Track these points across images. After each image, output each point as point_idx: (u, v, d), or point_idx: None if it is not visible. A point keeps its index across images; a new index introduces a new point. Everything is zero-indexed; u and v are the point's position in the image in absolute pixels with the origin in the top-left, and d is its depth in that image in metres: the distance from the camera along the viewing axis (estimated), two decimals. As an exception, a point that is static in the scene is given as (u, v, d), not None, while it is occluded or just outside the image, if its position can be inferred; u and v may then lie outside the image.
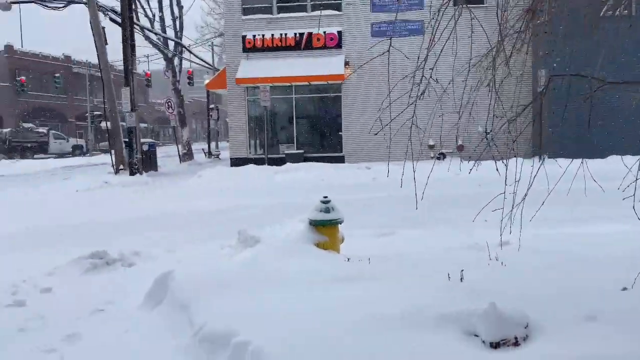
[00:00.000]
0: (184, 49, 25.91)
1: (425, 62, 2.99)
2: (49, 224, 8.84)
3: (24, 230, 8.11)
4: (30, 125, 38.27)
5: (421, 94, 2.65)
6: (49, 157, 33.26)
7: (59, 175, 19.54)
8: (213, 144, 29.14)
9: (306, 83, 18.40)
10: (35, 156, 33.67)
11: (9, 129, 36.07)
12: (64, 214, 10.08)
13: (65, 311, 4.12)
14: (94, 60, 42.06)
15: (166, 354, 3.21)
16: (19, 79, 37.97)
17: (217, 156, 26.79)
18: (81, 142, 41.83)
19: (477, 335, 2.66)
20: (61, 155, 35.51)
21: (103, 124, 41.82)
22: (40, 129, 37.36)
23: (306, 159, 17.80)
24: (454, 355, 2.51)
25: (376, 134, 3.28)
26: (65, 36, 63.71)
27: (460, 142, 16.75)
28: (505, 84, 3.44)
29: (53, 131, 37.94)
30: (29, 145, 34.77)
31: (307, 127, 19.47)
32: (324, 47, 18.45)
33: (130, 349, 3.34)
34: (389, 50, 2.85)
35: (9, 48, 43.56)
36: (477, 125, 13.80)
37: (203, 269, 4.51)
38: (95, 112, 41.16)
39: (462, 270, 3.63)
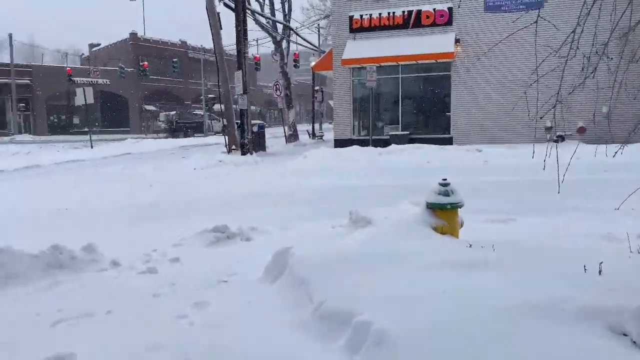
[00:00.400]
0: (291, 31, 26.40)
1: (579, 35, 2.70)
2: (173, 198, 9.53)
3: (153, 204, 8.81)
4: (194, 109, 42.52)
5: (592, 71, 2.38)
6: (207, 135, 36.32)
7: (177, 154, 20.98)
8: (317, 126, 29.60)
9: (413, 62, 17.94)
10: (196, 134, 37.42)
11: (174, 112, 40.06)
12: (184, 190, 10.81)
13: (192, 280, 4.39)
14: (208, 45, 44.40)
15: (287, 327, 3.29)
16: (141, 64, 41.14)
17: (321, 137, 27.16)
18: (256, 122, 45.29)
19: (626, 335, 2.40)
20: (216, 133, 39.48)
21: (216, 107, 44.20)
22: (197, 112, 41.05)
23: (411, 141, 17.43)
24: (600, 354, 2.30)
25: (496, 114, 3.05)
26: (182, 23, 67.86)
27: (581, 124, 15.46)
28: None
29: (208, 113, 41.37)
30: (191, 125, 38.15)
31: (412, 108, 19.05)
32: (433, 24, 17.82)
33: (253, 320, 3.47)
34: (536, 22, 2.60)
35: (133, 36, 47.31)
36: (602, 105, 12.65)
37: (319, 246, 4.58)
38: (209, 95, 43.55)
39: (601, 263, 3.31)
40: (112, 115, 45.83)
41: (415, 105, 19.04)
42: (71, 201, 9.34)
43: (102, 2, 66.41)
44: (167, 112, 40.49)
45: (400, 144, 16.69)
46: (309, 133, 28.37)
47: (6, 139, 35.24)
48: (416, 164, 13.34)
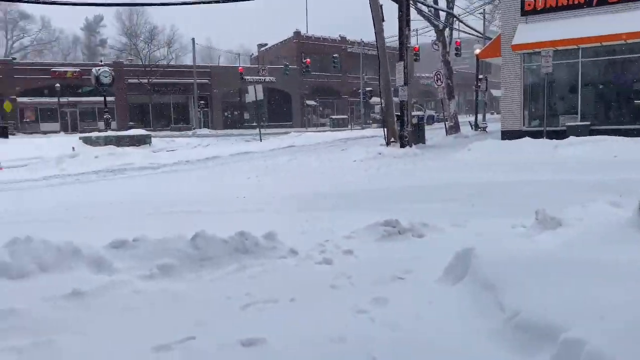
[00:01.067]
0: (454, 19, 25.38)
1: None
2: (336, 190, 9.73)
3: (319, 194, 9.08)
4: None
5: None
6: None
7: (336, 146, 21.56)
8: (480, 116, 28.11)
9: (597, 44, 15.95)
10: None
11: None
12: (346, 181, 10.98)
13: (366, 274, 4.34)
14: (366, 38, 44.91)
15: (477, 335, 3.03)
16: (304, 61, 43.13)
17: (484, 129, 25.74)
18: (430, 112, 46.04)
19: None
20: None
21: (372, 99, 44.59)
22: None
23: (592, 132, 15.56)
24: None
25: None
26: (340, 19, 69.65)
27: None
28: None
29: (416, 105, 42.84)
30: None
31: (594, 96, 16.99)
32: (624, 0, 15.62)
33: (437, 322, 3.28)
34: None
35: (297, 34, 49.84)
36: None
37: (503, 248, 4.20)
38: (367, 89, 44.10)
39: None
40: (277, 110, 48.94)
41: (598, 93, 16.94)
42: (247, 189, 10.07)
43: (270, 5, 71.22)
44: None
45: (580, 135, 15.00)
46: (471, 124, 27.08)
47: (189, 132, 39.71)
48: (600, 159, 11.86)
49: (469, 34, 30.22)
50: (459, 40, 30.77)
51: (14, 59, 49.91)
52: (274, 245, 5.04)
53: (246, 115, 48.63)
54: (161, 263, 4.46)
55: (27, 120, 41.82)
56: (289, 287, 4.05)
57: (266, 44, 58.13)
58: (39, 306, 3.70)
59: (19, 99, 40.65)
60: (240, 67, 46.97)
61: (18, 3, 64.93)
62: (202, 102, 46.52)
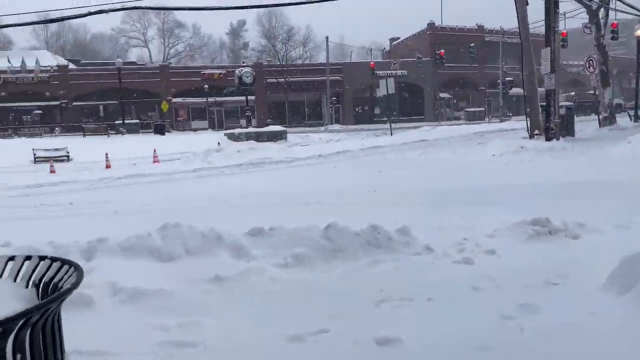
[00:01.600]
0: (612, -3, 22.68)
1: None
2: (474, 184, 9.17)
3: (454, 189, 8.63)
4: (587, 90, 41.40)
5: None
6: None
7: (472, 140, 20.51)
8: (640, 106, 24.80)
9: None
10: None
11: (573, 93, 40.45)
12: (484, 176, 10.31)
13: (513, 277, 3.93)
14: (507, 26, 42.18)
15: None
16: (438, 52, 41.82)
17: (647, 120, 22.69)
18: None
19: None
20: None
21: (513, 90, 41.80)
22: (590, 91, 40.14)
23: None
24: None
25: None
26: (476, 8, 66.36)
27: None
28: None
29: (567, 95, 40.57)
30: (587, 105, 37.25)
31: None
32: None
33: (600, 337, 2.82)
34: None
35: (431, 26, 48.53)
36: None
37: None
38: (507, 79, 41.48)
39: None
40: (408, 104, 48.18)
41: None
42: (378, 182, 9.94)
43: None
44: (567, 93, 39.74)
45: None
46: (629, 115, 24.05)
47: (322, 128, 40.75)
48: None
49: (629, 13, 26.76)
50: (615, 21, 27.41)
51: (170, 63, 55.46)
52: (407, 240, 4.82)
53: (376, 110, 48.57)
54: (295, 252, 4.49)
55: (181, 118, 46.17)
56: (425, 286, 3.82)
57: (398, 38, 57.46)
58: (185, 288, 3.92)
59: (174, 100, 45.02)
60: (371, 62, 47.03)
61: (174, 13, 71.94)
62: (334, 98, 47.45)
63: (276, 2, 14.96)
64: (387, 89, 25.63)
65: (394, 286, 3.85)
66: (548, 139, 15.48)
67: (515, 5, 16.54)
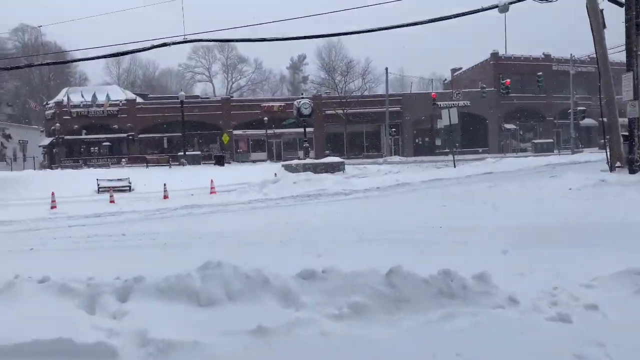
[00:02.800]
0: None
1: None
2: (553, 221, 8.17)
3: (530, 227, 7.69)
4: None
5: None
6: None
7: (543, 173, 19.14)
8: None
9: None
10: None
11: None
12: (566, 212, 9.24)
13: (627, 342, 3.10)
14: (578, 53, 40.30)
15: None
16: (503, 81, 40.40)
17: None
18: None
19: None
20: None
21: (585, 121, 39.59)
22: None
23: None
24: None
25: None
26: (543, 35, 64.29)
27: None
28: None
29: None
30: None
31: None
32: None
33: None
34: None
35: (494, 55, 47.24)
36: None
37: None
38: (579, 108, 39.35)
39: None
40: (471, 135, 46.66)
41: None
42: (441, 218, 9.10)
43: (464, 29, 69.35)
44: None
45: None
46: None
47: (380, 159, 40.03)
48: None
49: None
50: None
51: (232, 97, 56.95)
52: (486, 289, 4.04)
53: (437, 142, 47.33)
54: (352, 301, 3.83)
55: (240, 150, 46.93)
56: (513, 351, 3.06)
57: (460, 68, 56.36)
58: (222, 342, 3.34)
59: (235, 132, 45.91)
60: (433, 93, 46.14)
61: (237, 49, 74.49)
62: (393, 129, 46.76)
63: (335, 32, 14.66)
64: (449, 119, 24.70)
65: (475, 349, 3.11)
66: (632, 171, 14.05)
67: (591, 30, 15.43)
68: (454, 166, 24.59)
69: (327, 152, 42.89)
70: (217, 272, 4.27)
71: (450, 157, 29.13)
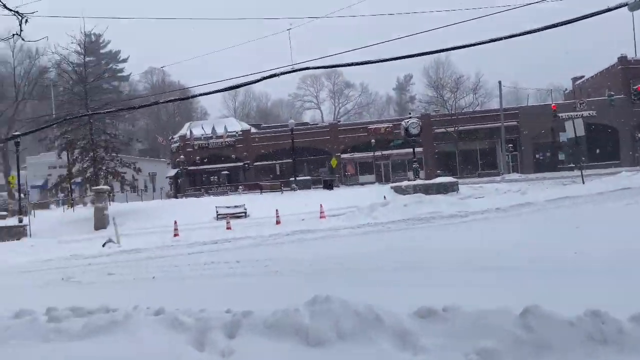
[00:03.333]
0: None
1: None
2: None
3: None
4: None
5: None
6: None
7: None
8: None
9: None
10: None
11: None
12: None
13: None
14: None
15: None
16: (634, 87, 36.45)
17: None
18: None
19: None
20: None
21: None
22: None
23: None
24: None
25: None
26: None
27: None
28: None
29: None
30: None
31: None
32: None
33: None
34: None
35: (622, 60, 42.98)
36: None
37: None
38: None
39: None
40: (599, 147, 42.50)
41: None
42: (579, 242, 8.03)
43: (583, 34, 64.13)
44: None
45: None
46: None
47: (497, 178, 37.77)
48: None
49: None
50: None
51: (339, 121, 57.73)
52: (650, 334, 3.29)
53: (561, 156, 43.68)
54: (480, 346, 3.30)
55: (348, 173, 47.12)
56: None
57: (582, 77, 51.98)
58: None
59: (342, 155, 46.28)
60: (553, 105, 42.90)
61: (344, 75, 75.84)
62: (510, 145, 44.06)
63: (442, 48, 14.05)
64: (574, 131, 22.58)
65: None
66: None
67: None
68: (582, 182, 22.33)
69: (439, 172, 41.44)
70: (325, 308, 3.97)
71: (575, 172, 26.61)
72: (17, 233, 22.54)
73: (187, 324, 4.26)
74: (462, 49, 13.02)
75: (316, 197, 24.33)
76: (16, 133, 23.46)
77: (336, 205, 20.77)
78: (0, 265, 12.39)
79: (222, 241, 13.63)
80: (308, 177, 38.67)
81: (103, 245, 15.34)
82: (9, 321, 5.12)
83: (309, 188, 34.26)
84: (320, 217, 18.24)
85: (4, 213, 26.03)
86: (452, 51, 16.15)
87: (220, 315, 4.33)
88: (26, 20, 6.91)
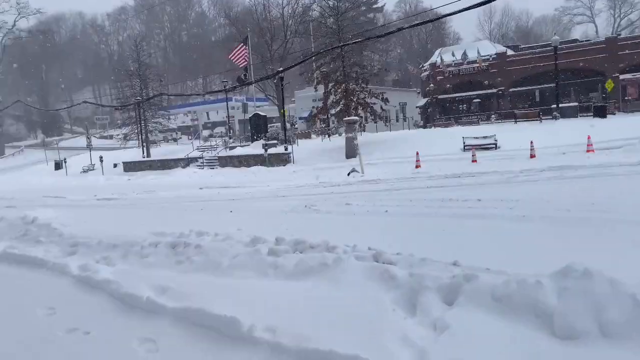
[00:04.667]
0: None
1: None
2: None
3: None
4: None
5: None
6: None
7: None
8: None
9: None
10: None
11: None
12: None
13: None
14: None
15: None
16: None
17: None
18: None
19: None
20: None
21: None
22: None
23: None
24: None
25: None
26: None
27: None
28: None
29: None
30: None
31: None
32: None
33: None
34: None
35: None
36: None
37: None
38: None
39: None
40: None
41: None
42: None
43: None
44: None
45: None
46: None
47: None
48: None
49: None
50: None
51: (619, 34, 48.00)
52: None
53: None
54: None
55: (629, 97, 39.21)
56: None
57: None
58: None
59: (621, 76, 38.52)
60: None
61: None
62: None
63: None
64: None
65: None
66: None
67: None
68: None
69: None
70: (581, 286, 2.81)
71: None
72: (283, 159, 25.57)
73: (398, 279, 3.61)
74: None
75: (583, 126, 20.76)
76: (280, 69, 25.82)
77: (609, 137, 17.27)
78: (264, 189, 13.86)
79: (466, 175, 12.56)
80: (575, 104, 33.49)
81: (348, 174, 15.88)
82: (241, 248, 5.33)
83: (575, 116, 29.65)
84: (587, 151, 15.38)
85: (275, 142, 29.53)
86: None
87: (436, 275, 3.54)
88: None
